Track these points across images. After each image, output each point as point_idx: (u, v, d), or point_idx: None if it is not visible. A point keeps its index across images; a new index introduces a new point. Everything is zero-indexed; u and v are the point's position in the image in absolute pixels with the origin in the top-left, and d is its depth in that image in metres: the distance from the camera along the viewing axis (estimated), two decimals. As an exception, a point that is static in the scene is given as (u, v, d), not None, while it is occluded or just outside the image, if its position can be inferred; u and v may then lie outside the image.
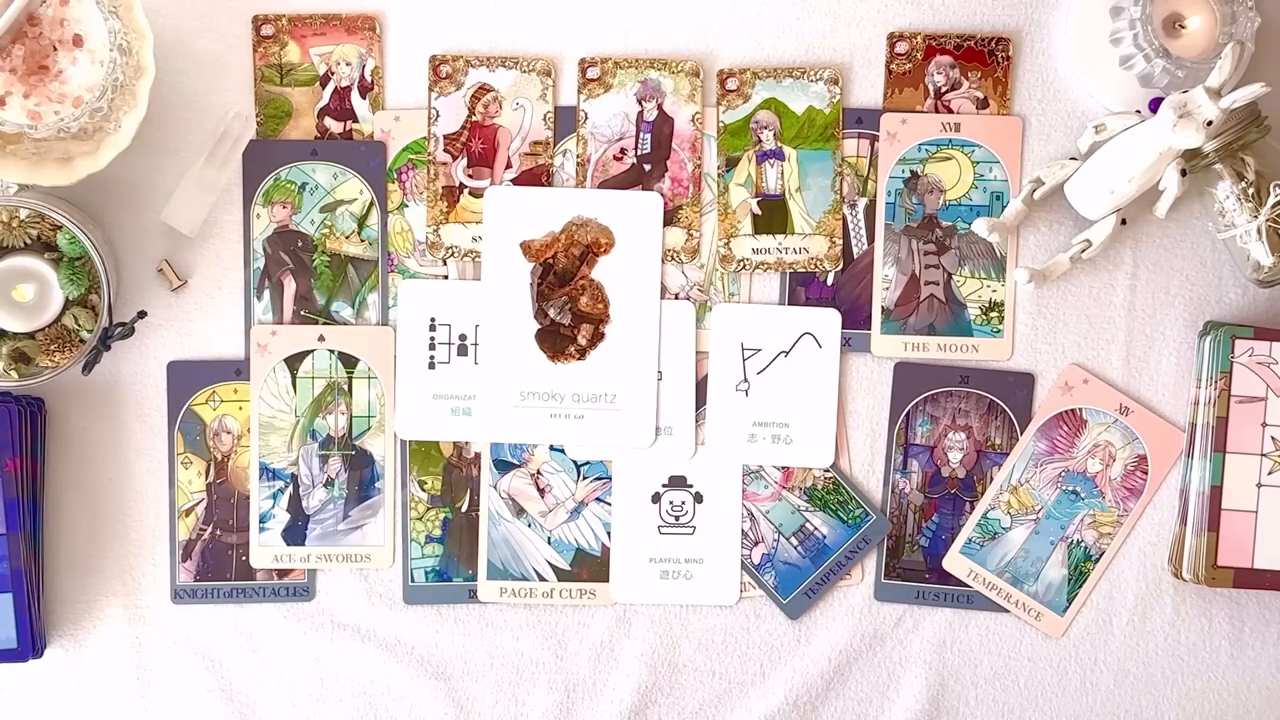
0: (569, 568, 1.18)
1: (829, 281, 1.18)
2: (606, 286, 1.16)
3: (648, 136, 1.17)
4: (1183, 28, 1.15)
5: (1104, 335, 1.19)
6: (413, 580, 1.17)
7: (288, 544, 1.17)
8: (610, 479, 1.18)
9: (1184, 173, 1.10)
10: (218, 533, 1.17)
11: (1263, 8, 1.15)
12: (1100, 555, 1.18)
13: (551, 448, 1.18)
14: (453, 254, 1.17)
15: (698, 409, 1.17)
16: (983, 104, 1.18)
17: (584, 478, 1.18)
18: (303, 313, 1.17)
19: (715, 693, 1.19)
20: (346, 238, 1.17)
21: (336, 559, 1.17)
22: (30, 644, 1.11)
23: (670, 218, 1.17)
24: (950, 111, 1.18)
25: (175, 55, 1.15)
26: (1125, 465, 1.18)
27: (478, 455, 1.18)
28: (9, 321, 1.10)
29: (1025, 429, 1.18)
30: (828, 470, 1.18)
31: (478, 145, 1.17)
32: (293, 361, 1.16)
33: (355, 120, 1.17)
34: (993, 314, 1.18)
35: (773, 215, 1.18)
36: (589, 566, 1.18)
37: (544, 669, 1.18)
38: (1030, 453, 1.18)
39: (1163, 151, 1.09)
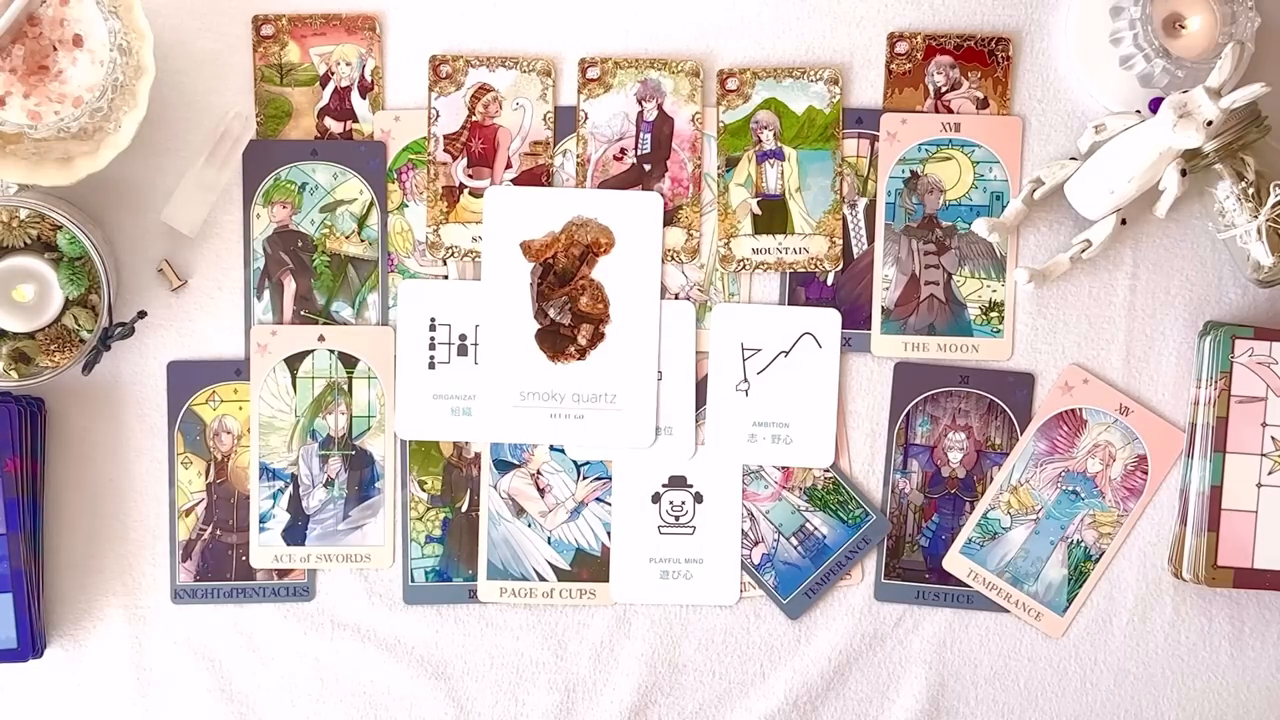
0: (569, 568, 1.18)
1: (829, 281, 1.18)
2: (606, 286, 1.16)
3: (648, 136, 1.17)
4: (1183, 28, 1.15)
5: (1104, 335, 1.19)
6: (413, 580, 1.18)
7: (288, 544, 1.17)
8: (610, 479, 1.18)
9: (1184, 173, 1.10)
10: (218, 533, 1.17)
11: (1263, 8, 1.15)
12: (1100, 555, 1.18)
13: (551, 448, 1.18)
14: (453, 254, 1.17)
15: (698, 409, 1.17)
16: (983, 104, 1.18)
17: (584, 478, 1.18)
18: (303, 313, 1.17)
19: (715, 693, 1.19)
20: (346, 238, 1.17)
21: (336, 559, 1.17)
22: (30, 644, 1.11)
23: (670, 218, 1.17)
24: (950, 111, 1.18)
25: (175, 55, 1.15)
26: (1125, 465, 1.18)
27: (478, 455, 1.18)
28: (9, 321, 1.10)
29: (1025, 429, 1.18)
30: (828, 470, 1.18)
31: (478, 145, 1.17)
32: (293, 361, 1.16)
33: (355, 120, 1.17)
34: (993, 314, 1.18)
35: (773, 215, 1.18)
36: (589, 566, 1.18)
37: (544, 669, 1.18)
38: (1030, 453, 1.18)
39: (1163, 151, 1.09)
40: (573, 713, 1.19)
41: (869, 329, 1.18)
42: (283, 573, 1.17)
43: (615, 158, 1.17)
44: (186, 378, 1.16)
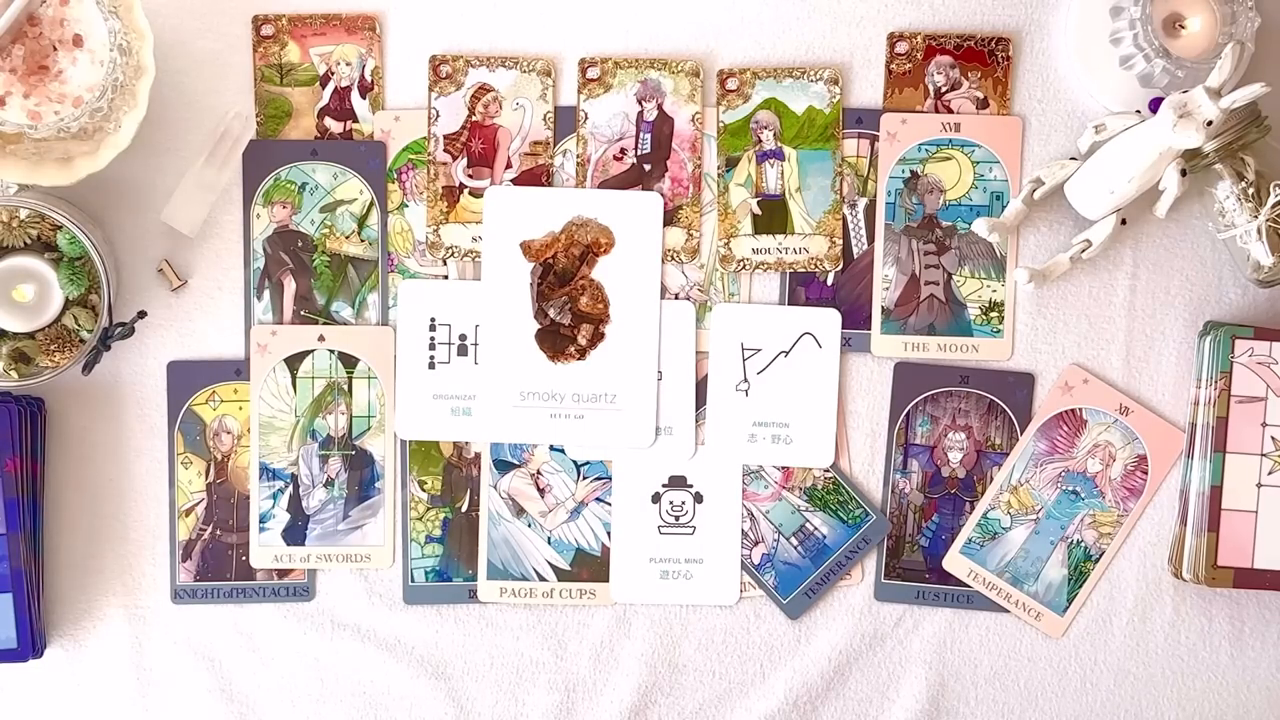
0: (569, 568, 1.18)
1: (829, 281, 1.18)
2: (606, 286, 1.16)
3: (648, 136, 1.17)
4: (1183, 28, 1.15)
5: (1104, 335, 1.19)
6: (413, 580, 1.18)
7: (288, 544, 1.17)
8: (610, 479, 1.18)
9: (1184, 173, 1.10)
10: (218, 533, 1.17)
11: (1263, 8, 1.15)
12: (1100, 555, 1.18)
13: (551, 448, 1.18)
14: (453, 254, 1.17)
15: (698, 409, 1.17)
16: (983, 104, 1.18)
17: (584, 478, 1.18)
18: (303, 313, 1.17)
19: (715, 693, 1.19)
20: (346, 238, 1.17)
21: (336, 559, 1.17)
22: (30, 644, 1.11)
23: (670, 218, 1.17)
24: (950, 111, 1.18)
25: (175, 55, 1.15)
26: (1125, 465, 1.18)
27: (478, 455, 1.18)
28: (9, 321, 1.10)
29: (1025, 429, 1.18)
30: (828, 470, 1.18)
31: (478, 145, 1.17)
32: (293, 361, 1.16)
33: (355, 120, 1.17)
34: (993, 314, 1.18)
35: (773, 215, 1.18)
36: (589, 566, 1.18)
37: (544, 669, 1.18)
38: (1030, 453, 1.18)
39: (1163, 151, 1.09)
40: (573, 713, 1.19)
41: (869, 329, 1.18)
42: (283, 573, 1.17)
43: (615, 158, 1.17)
44: (186, 378, 1.16)
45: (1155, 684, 1.19)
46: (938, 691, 1.19)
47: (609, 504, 1.18)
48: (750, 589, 1.18)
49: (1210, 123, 1.06)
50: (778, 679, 1.19)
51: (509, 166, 1.17)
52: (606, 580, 1.18)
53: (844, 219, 1.18)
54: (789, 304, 1.18)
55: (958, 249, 1.18)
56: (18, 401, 1.11)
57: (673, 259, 1.17)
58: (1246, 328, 1.16)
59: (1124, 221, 1.16)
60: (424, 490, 1.17)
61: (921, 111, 1.18)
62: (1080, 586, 1.18)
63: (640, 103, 1.17)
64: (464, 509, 1.18)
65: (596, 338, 1.16)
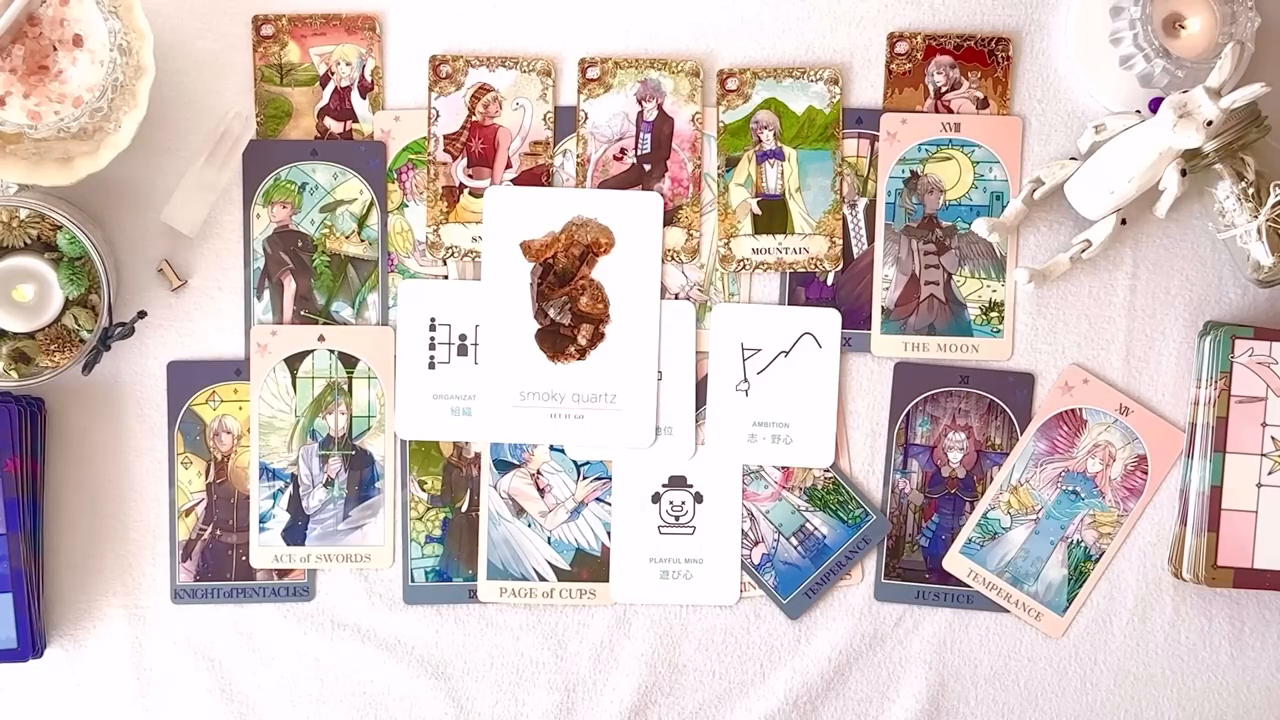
0: (569, 568, 1.18)
1: (829, 281, 1.18)
2: (606, 286, 1.16)
3: (648, 136, 1.17)
4: (1183, 28, 1.15)
5: (1104, 335, 1.19)
6: (413, 580, 1.18)
7: (288, 544, 1.17)
8: (610, 479, 1.18)
9: (1184, 173, 1.10)
10: (218, 533, 1.17)
11: (1263, 8, 1.15)
12: (1100, 555, 1.18)
13: (551, 448, 1.18)
14: (453, 254, 1.17)
15: (698, 409, 1.17)
16: (983, 104, 1.18)
17: (584, 478, 1.18)
18: (303, 313, 1.17)
19: (715, 693, 1.19)
20: (346, 238, 1.17)
21: (336, 559, 1.17)
22: (30, 644, 1.11)
23: (670, 218, 1.17)
24: (950, 111, 1.18)
25: (175, 55, 1.15)
26: (1125, 465, 1.18)
27: (478, 455, 1.18)
28: (9, 321, 1.10)
29: (1025, 429, 1.18)
30: (828, 470, 1.18)
31: (478, 145, 1.17)
32: (293, 361, 1.16)
33: (355, 120, 1.17)
34: (993, 314, 1.18)
35: (773, 215, 1.18)
36: (589, 566, 1.18)
37: (544, 669, 1.18)
38: (1030, 453, 1.18)
39: (1163, 151, 1.09)
40: (573, 713, 1.19)
41: (869, 329, 1.18)
42: (283, 573, 1.17)
43: (615, 158, 1.17)
44: (186, 378, 1.16)
45: (1155, 684, 1.19)
46: (938, 691, 1.19)
47: (609, 504, 1.18)
48: (750, 589, 1.18)
49: (1210, 123, 1.06)
50: (778, 679, 1.19)
51: (509, 166, 1.17)
52: (606, 580, 1.18)
53: (844, 219, 1.18)
54: (789, 304, 1.18)
55: (958, 249, 1.18)
56: (18, 401, 1.11)
57: (673, 259, 1.17)
58: (1246, 328, 1.16)
59: (1124, 221, 1.16)
60: (424, 490, 1.17)
61: (921, 111, 1.18)
62: (1080, 586, 1.18)
63: (640, 103, 1.17)
64: (464, 509, 1.18)
65: (596, 338, 1.16)
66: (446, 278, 1.17)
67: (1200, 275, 1.19)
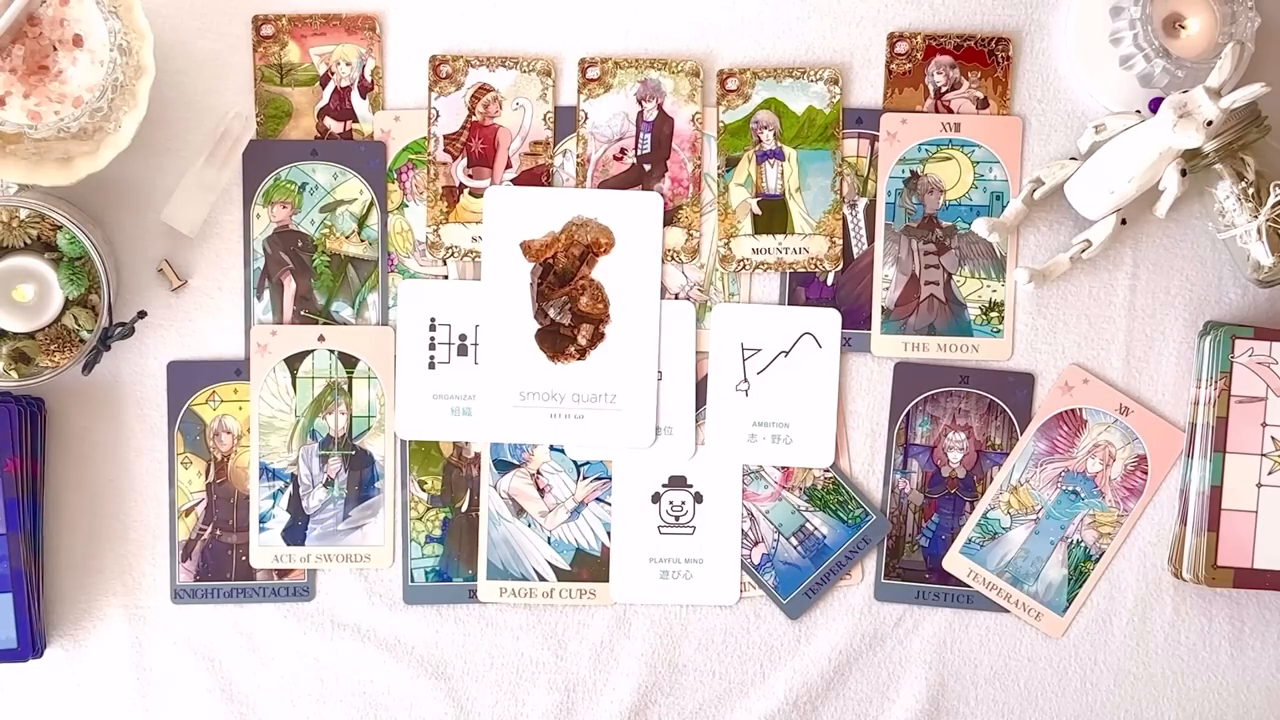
0: (569, 568, 1.18)
1: (829, 281, 1.18)
2: (606, 286, 1.16)
3: (648, 136, 1.17)
4: (1183, 28, 1.15)
5: (1104, 335, 1.19)
6: (413, 580, 1.18)
7: (288, 544, 1.17)
8: (610, 479, 1.18)
9: (1184, 173, 1.10)
10: (218, 533, 1.17)
11: (1263, 8, 1.15)
12: (1100, 555, 1.18)
13: (551, 448, 1.18)
14: (453, 254, 1.17)
15: (698, 409, 1.17)
16: (983, 104, 1.18)
17: (584, 478, 1.18)
18: (303, 313, 1.17)
19: (715, 693, 1.19)
20: (346, 238, 1.17)
21: (336, 559, 1.17)
22: (30, 644, 1.11)
23: (670, 218, 1.17)
24: (950, 111, 1.18)
25: (175, 55, 1.15)
26: (1125, 465, 1.18)
27: (478, 455, 1.18)
28: (9, 321, 1.10)
29: (1025, 429, 1.18)
30: (828, 470, 1.18)
31: (478, 145, 1.17)
32: (293, 361, 1.16)
33: (355, 120, 1.17)
34: (993, 314, 1.18)
35: (773, 215, 1.18)
36: (589, 566, 1.18)
37: (544, 669, 1.18)
38: (1030, 453, 1.18)
39: (1163, 151, 1.09)
40: (573, 713, 1.19)
41: (869, 329, 1.18)
42: (283, 573, 1.17)
43: (615, 158, 1.17)
44: (186, 378, 1.16)
45: (1155, 684, 1.19)
46: (938, 691, 1.19)
47: (609, 504, 1.18)
48: (750, 589, 1.18)
49: (1210, 123, 1.06)
50: (778, 679, 1.19)
51: (509, 166, 1.17)
52: (606, 580, 1.18)
53: (844, 219, 1.18)
54: (789, 304, 1.18)
55: (958, 249, 1.18)
56: (18, 401, 1.11)
57: (673, 259, 1.17)
58: (1246, 328, 1.16)
59: (1124, 221, 1.16)
60: (424, 490, 1.17)
61: (921, 111, 1.18)
62: (1080, 586, 1.18)
63: (640, 103, 1.17)
64: (464, 509, 1.18)
65: (596, 338, 1.16)
66: (446, 278, 1.17)
67: (1200, 275, 1.19)
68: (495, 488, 1.17)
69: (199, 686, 1.17)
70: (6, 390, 1.10)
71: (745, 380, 1.17)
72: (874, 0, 1.18)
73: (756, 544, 1.18)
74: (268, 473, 1.17)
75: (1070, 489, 1.18)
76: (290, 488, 1.17)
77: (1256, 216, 1.13)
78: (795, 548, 1.18)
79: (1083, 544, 1.18)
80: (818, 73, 1.17)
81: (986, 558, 1.18)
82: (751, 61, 1.18)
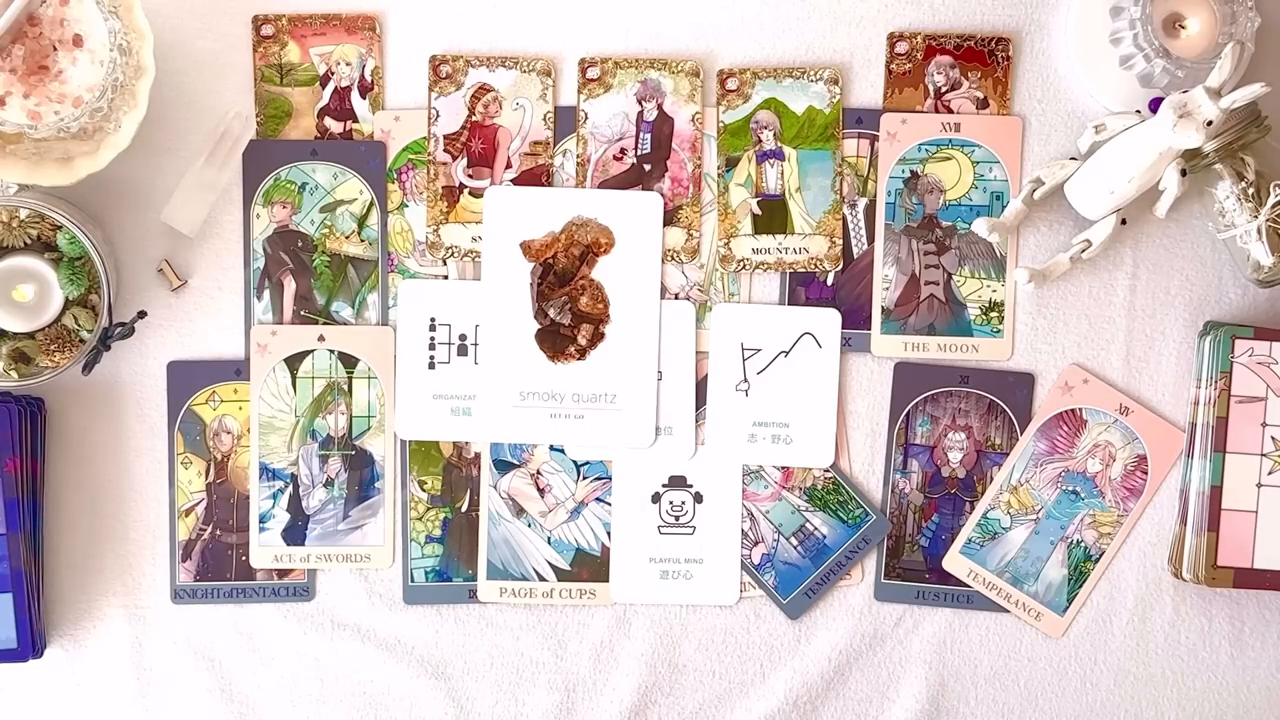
0: (569, 568, 1.18)
1: (829, 281, 1.18)
2: (606, 286, 1.16)
3: (648, 136, 1.17)
4: (1183, 28, 1.15)
5: (1104, 335, 1.19)
6: (413, 580, 1.18)
7: (288, 544, 1.17)
8: (610, 479, 1.18)
9: (1184, 173, 1.10)
10: (218, 533, 1.17)
11: (1263, 8, 1.15)
12: (1100, 555, 1.18)
13: (551, 448, 1.18)
14: (453, 254, 1.17)
15: (698, 409, 1.17)
16: (983, 104, 1.18)
17: (584, 478, 1.18)
18: (303, 313, 1.17)
19: (715, 693, 1.19)
20: (346, 238, 1.17)
21: (336, 559, 1.17)
22: (30, 644, 1.11)
23: (670, 218, 1.17)
24: (950, 111, 1.18)
25: (175, 55, 1.15)
26: (1125, 465, 1.18)
27: (478, 455, 1.18)
28: (9, 321, 1.10)
29: (1025, 429, 1.18)
30: (828, 470, 1.18)
31: (478, 145, 1.17)
32: (293, 361, 1.16)
33: (355, 120, 1.17)
34: (993, 314, 1.18)
35: (773, 215, 1.18)
36: (589, 566, 1.18)
37: (544, 669, 1.18)
38: (1030, 453, 1.18)
39: (1163, 151, 1.09)
40: (573, 713, 1.19)
41: (869, 329, 1.18)
42: (283, 573, 1.17)
43: (615, 158, 1.17)
44: (186, 378, 1.16)
45: (1155, 684, 1.19)
46: (938, 691, 1.19)
47: (609, 504, 1.18)
48: (750, 589, 1.18)
49: (1210, 123, 1.06)
50: (778, 679, 1.19)
51: (509, 166, 1.17)
52: (606, 580, 1.18)
53: (844, 219, 1.18)
54: (789, 304, 1.18)
55: (958, 249, 1.18)
56: (18, 401, 1.11)
57: (673, 259, 1.17)
58: (1246, 328, 1.16)
59: (1124, 221, 1.16)
60: (424, 490, 1.17)
61: (921, 111, 1.18)
62: (1080, 586, 1.18)
63: (640, 103, 1.17)
64: (464, 509, 1.18)
65: (596, 338, 1.16)
66: (446, 278, 1.17)
67: (1200, 275, 1.19)
68: (495, 488, 1.17)
69: (199, 686, 1.17)
70: (6, 390, 1.10)
71: (745, 380, 1.17)
72: (874, 0, 1.18)
73: (756, 544, 1.18)
74: (268, 473, 1.17)
75: (1070, 489, 1.18)
76: (290, 488, 1.17)
77: (1256, 216, 1.13)
78: (795, 548, 1.18)
79: (1083, 544, 1.18)
80: (818, 73, 1.17)
81: (986, 558, 1.18)
82: (751, 61, 1.18)
